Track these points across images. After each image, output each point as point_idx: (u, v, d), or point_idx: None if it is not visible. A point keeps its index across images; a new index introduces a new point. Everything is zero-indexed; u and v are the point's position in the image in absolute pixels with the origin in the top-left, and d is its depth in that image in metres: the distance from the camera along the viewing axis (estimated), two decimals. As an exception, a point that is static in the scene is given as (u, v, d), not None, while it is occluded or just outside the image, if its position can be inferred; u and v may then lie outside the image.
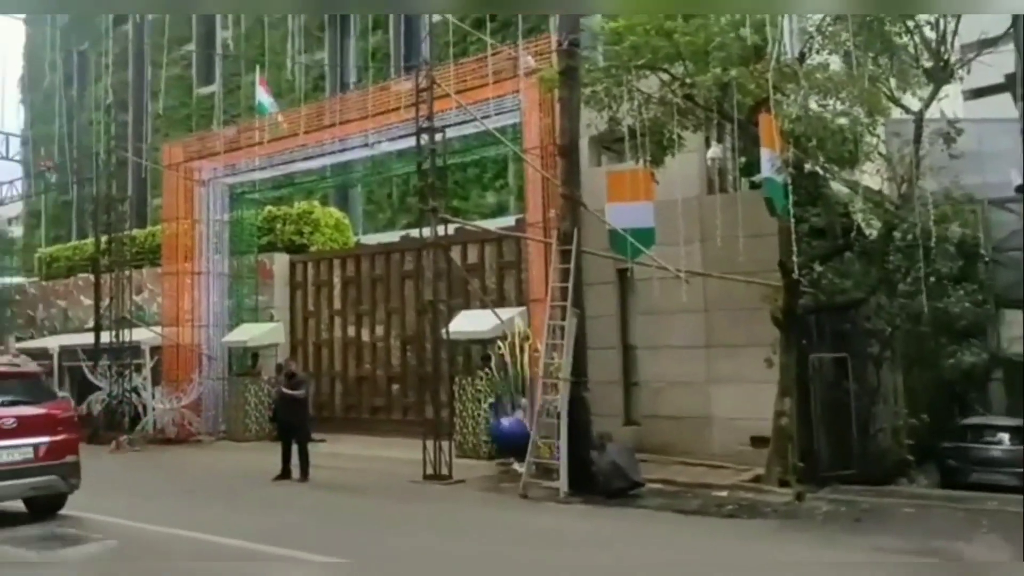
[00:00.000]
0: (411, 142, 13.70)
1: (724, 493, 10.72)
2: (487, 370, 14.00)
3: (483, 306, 15.00)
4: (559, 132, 12.31)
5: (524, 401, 13.29)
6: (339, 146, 17.27)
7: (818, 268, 11.55)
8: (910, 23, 10.49)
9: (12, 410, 9.04)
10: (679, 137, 11.55)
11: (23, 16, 34.66)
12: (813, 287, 11.69)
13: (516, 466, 12.10)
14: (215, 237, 19.27)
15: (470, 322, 14.79)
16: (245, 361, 18.81)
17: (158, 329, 18.99)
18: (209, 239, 19.17)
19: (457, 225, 14.86)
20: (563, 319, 11.34)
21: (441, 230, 12.99)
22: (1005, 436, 13.48)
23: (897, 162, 11.02)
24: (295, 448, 12.47)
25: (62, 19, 33.04)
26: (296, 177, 19.83)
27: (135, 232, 22.16)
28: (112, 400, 18.21)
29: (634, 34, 10.85)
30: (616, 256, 11.88)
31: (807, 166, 10.77)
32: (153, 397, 17.97)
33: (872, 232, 11.68)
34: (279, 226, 20.25)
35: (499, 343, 13.72)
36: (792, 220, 9.88)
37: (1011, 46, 9.47)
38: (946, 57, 10.73)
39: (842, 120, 10.37)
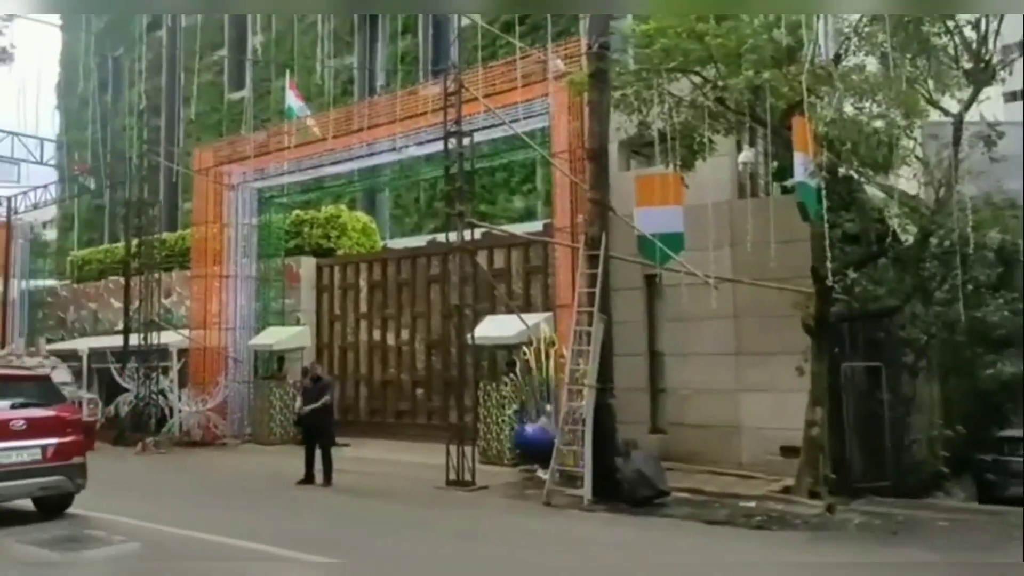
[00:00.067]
0: (439, 146, 13.64)
1: (752, 503, 10.50)
2: (512, 376, 13.88)
3: (509, 311, 14.90)
4: (588, 136, 12.18)
5: (549, 407, 13.14)
6: (367, 150, 17.28)
7: (851, 275, 11.29)
8: (950, 23, 10.24)
9: (22, 412, 9.24)
10: (710, 141, 11.40)
11: (60, 23, 35.26)
12: (846, 294, 11.44)
13: (540, 473, 11.95)
14: (243, 241, 19.37)
15: (496, 327, 14.69)
16: (271, 364, 18.85)
17: (186, 332, 19.11)
18: (237, 243, 19.27)
19: (484, 230, 14.78)
20: (590, 325, 11.21)
21: (468, 234, 12.92)
22: (1044, 449, 13.11)
23: (935, 166, 10.76)
24: (318, 452, 12.42)
25: (97, 25, 33.59)
26: (324, 181, 19.87)
27: (165, 235, 22.39)
28: (139, 402, 18.33)
29: (665, 37, 10.71)
30: (644, 261, 11.72)
31: (841, 170, 10.55)
32: (179, 399, 18.07)
33: (908, 238, 11.43)
34: (307, 230, 20.33)
35: (524, 348, 13.59)
36: (825, 225, 9.68)
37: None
38: (987, 58, 10.45)
39: (878, 123, 10.15)
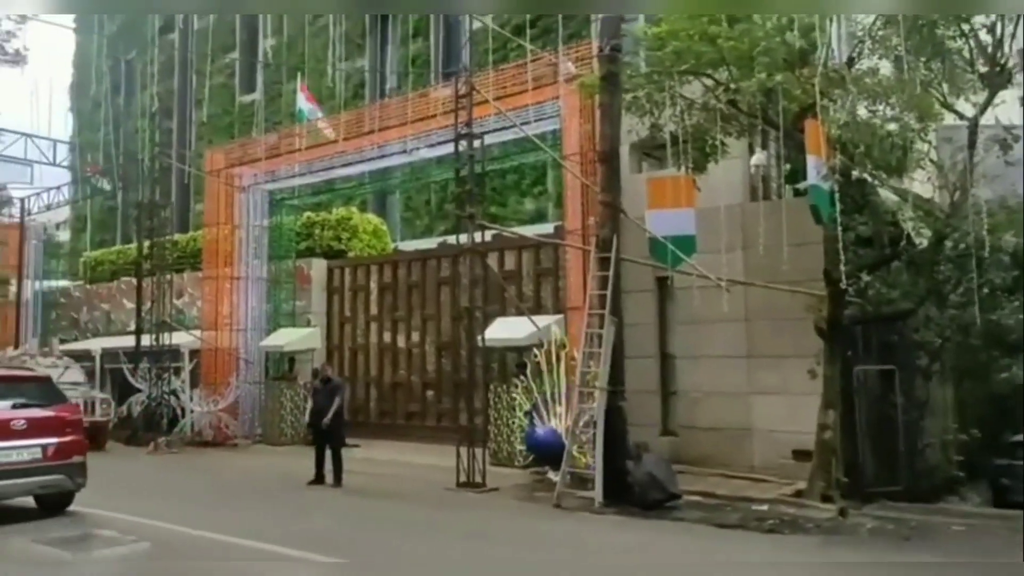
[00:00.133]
0: (450, 148, 13.66)
1: (765, 507, 10.43)
2: (522, 378, 13.86)
3: (519, 313, 14.89)
4: (599, 138, 12.16)
5: (560, 410, 13.11)
6: (378, 152, 17.31)
7: (865, 278, 11.22)
8: (964, 26, 10.18)
9: (23, 412, 9.42)
10: (722, 143, 11.36)
11: (73, 26, 35.49)
12: (859, 297, 11.37)
13: (551, 475, 11.93)
14: (254, 242, 19.45)
15: (506, 329, 14.68)
16: (282, 365, 18.91)
17: (197, 333, 19.18)
18: (249, 244, 19.35)
19: (494, 232, 14.78)
20: (601, 327, 11.18)
21: (478, 237, 12.92)
22: (1060, 455, 12.97)
23: (949, 169, 10.69)
24: (329, 453, 12.43)
25: (110, 28, 33.80)
26: (335, 183, 19.93)
27: (177, 237, 22.49)
28: (151, 402, 18.40)
29: (677, 39, 10.67)
30: (656, 264, 11.70)
31: (854, 173, 10.49)
32: (191, 400, 18.13)
33: (921, 241, 11.36)
34: (317, 232, 20.39)
35: (535, 351, 13.58)
36: (838, 228, 9.63)
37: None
38: (1003, 61, 10.37)
39: (892, 126, 10.08)
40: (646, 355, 13.50)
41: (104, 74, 33.73)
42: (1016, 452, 13.27)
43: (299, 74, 21.65)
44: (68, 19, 35.56)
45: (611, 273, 11.17)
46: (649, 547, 8.82)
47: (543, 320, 14.29)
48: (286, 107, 24.03)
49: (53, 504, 9.79)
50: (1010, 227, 11.10)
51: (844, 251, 9.68)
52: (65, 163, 30.82)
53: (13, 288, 26.12)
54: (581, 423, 11.13)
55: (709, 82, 11.10)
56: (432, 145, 16.31)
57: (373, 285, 19.12)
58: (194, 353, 19.03)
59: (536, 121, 14.53)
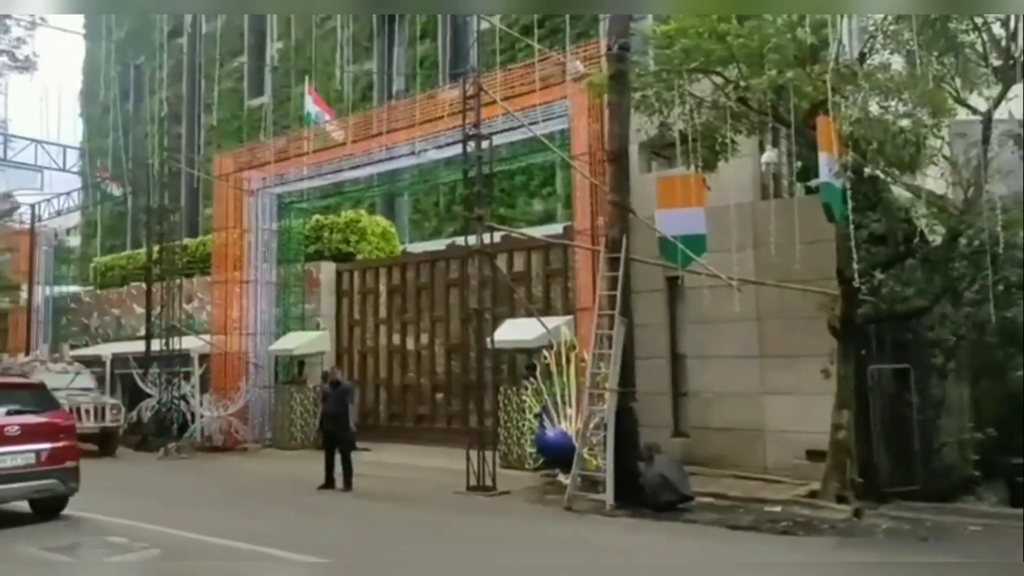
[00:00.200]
0: (458, 150, 13.61)
1: (778, 508, 10.34)
2: (532, 380, 13.79)
3: (529, 315, 14.81)
4: (608, 138, 12.08)
5: (570, 412, 13.03)
6: (386, 154, 17.27)
7: (878, 276, 11.10)
8: (977, 20, 10.06)
9: (17, 418, 9.62)
10: (732, 142, 11.27)
11: (82, 32, 35.65)
12: (873, 295, 11.24)
13: (561, 478, 11.85)
14: (263, 246, 19.44)
15: (515, 331, 14.61)
16: (291, 369, 18.89)
17: (207, 337, 19.19)
18: (258, 248, 19.34)
19: (503, 233, 14.72)
20: (611, 328, 11.10)
21: (487, 238, 12.86)
22: (1078, 453, 12.81)
23: (963, 165, 10.57)
24: (338, 457, 12.39)
25: (119, 34, 33.92)
26: (344, 186, 19.92)
27: (186, 241, 22.51)
28: (161, 407, 18.40)
29: (686, 37, 10.59)
30: (666, 264, 11.61)
31: (867, 170, 10.38)
32: (201, 405, 18.13)
33: (935, 238, 11.23)
34: (326, 235, 20.37)
35: (545, 352, 13.50)
36: (851, 226, 9.51)
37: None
38: (1016, 55, 10.25)
39: (904, 122, 9.96)
40: (657, 356, 13.41)
41: (113, 79, 33.85)
42: (1033, 451, 13.13)
43: (307, 77, 21.64)
44: (77, 25, 35.81)
45: (621, 273, 11.10)
46: (661, 550, 8.74)
47: (553, 321, 14.22)
48: (295, 110, 24.06)
49: (47, 508, 9.95)
50: (1025, 223, 10.93)
51: (857, 249, 9.59)
52: (75, 168, 30.99)
53: (24, 294, 26.20)
54: (592, 425, 11.06)
55: (719, 80, 11.01)
56: (440, 147, 16.27)
57: (382, 288, 19.09)
58: (204, 358, 19.03)
59: (544, 121, 14.46)
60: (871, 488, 10.70)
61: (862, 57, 10.59)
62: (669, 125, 11.41)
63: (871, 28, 10.69)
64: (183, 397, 18.49)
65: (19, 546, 8.43)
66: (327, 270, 19.84)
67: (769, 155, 13.19)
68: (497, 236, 14.03)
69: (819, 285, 11.08)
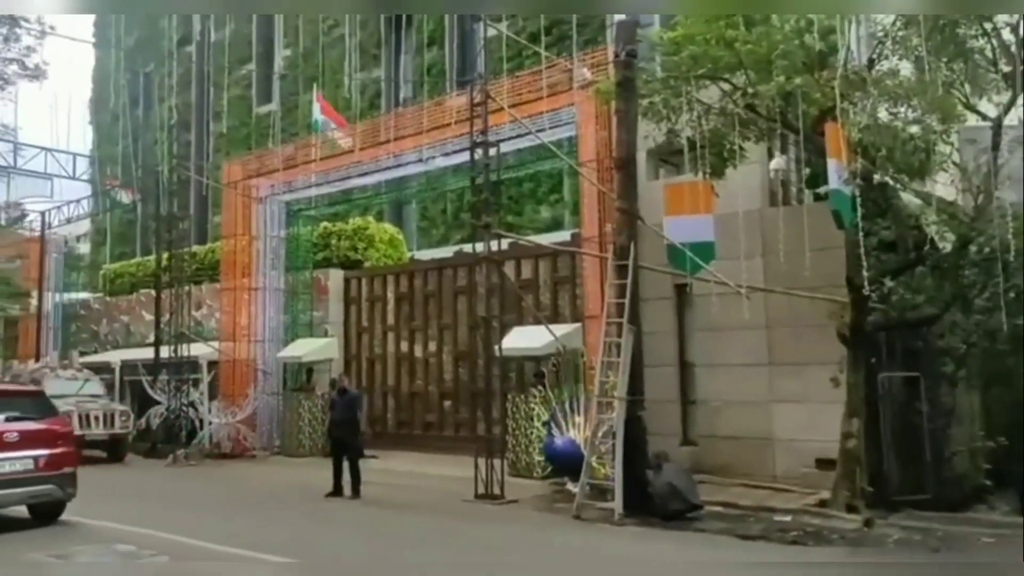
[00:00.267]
0: (465, 157, 13.61)
1: (788, 518, 10.27)
2: (540, 387, 13.76)
3: (537, 322, 14.78)
4: (615, 145, 12.07)
5: (578, 420, 12.99)
6: (394, 162, 17.30)
7: (888, 283, 11.03)
8: (987, 25, 9.99)
9: (15, 425, 9.80)
10: (740, 148, 11.22)
11: (92, 40, 35.87)
12: (883, 303, 11.17)
13: (570, 486, 11.81)
14: (272, 253, 19.48)
15: (523, 338, 14.59)
16: (300, 376, 18.91)
17: (215, 344, 19.22)
18: (266, 255, 19.38)
19: (511, 240, 14.71)
20: (619, 336, 11.07)
21: (495, 245, 12.85)
22: (1091, 462, 12.68)
23: (973, 171, 10.50)
24: (347, 464, 12.37)
25: (128, 42, 34.11)
26: (352, 193, 19.95)
27: (195, 248, 22.59)
28: (170, 414, 18.43)
29: (693, 44, 10.57)
30: (674, 271, 11.57)
31: (876, 177, 10.31)
32: (209, 411, 18.15)
33: (946, 245, 11.14)
34: (334, 242, 20.40)
35: (553, 360, 13.47)
36: (860, 233, 9.46)
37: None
38: (1025, 60, 10.18)
39: (913, 129, 9.89)
40: (665, 364, 13.36)
41: (122, 87, 34.03)
42: (1046, 460, 13.00)
43: (315, 85, 21.72)
44: (87, 33, 36.01)
45: (629, 281, 11.08)
46: (671, 559, 8.68)
47: (561, 329, 14.19)
48: (303, 118, 24.12)
49: (45, 514, 10.09)
50: (1037, 230, 10.84)
51: (866, 256, 9.52)
52: (85, 176, 31.11)
53: (34, 301, 26.32)
54: (600, 433, 11.02)
55: (726, 86, 10.97)
56: (448, 154, 16.28)
57: (390, 295, 19.10)
58: (212, 365, 19.06)
59: (552, 128, 14.47)
60: (881, 497, 10.61)
61: (871, 63, 10.54)
62: (677, 132, 11.37)
63: (880, 34, 10.64)
64: (192, 404, 18.52)
65: (26, 553, 8.43)
66: (335, 277, 19.85)
67: (777, 162, 13.14)
68: (505, 243, 14.01)
69: (828, 292, 11.01)
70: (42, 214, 27.43)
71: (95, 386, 19.03)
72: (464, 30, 23.15)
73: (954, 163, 10.62)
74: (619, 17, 13.66)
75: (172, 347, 18.65)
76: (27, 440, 9.73)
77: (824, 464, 11.27)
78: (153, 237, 22.64)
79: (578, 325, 14.24)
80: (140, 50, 33.57)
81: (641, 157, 12.72)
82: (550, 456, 12.82)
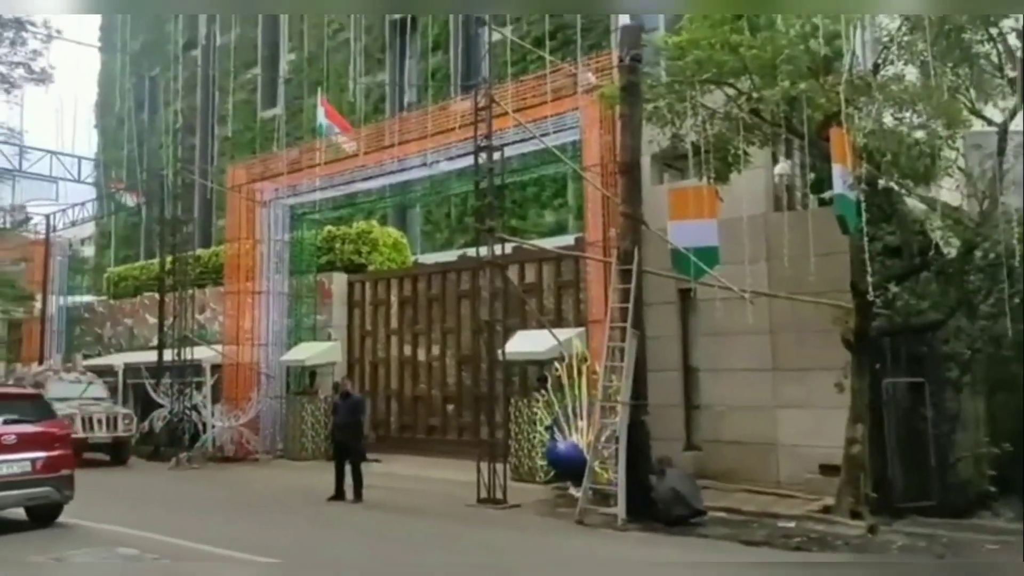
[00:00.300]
0: (470, 161, 13.62)
1: (792, 524, 10.23)
2: (543, 392, 13.73)
3: (540, 326, 14.76)
4: (620, 149, 12.06)
5: (582, 424, 12.96)
6: (398, 166, 17.31)
7: (893, 288, 11.01)
8: (992, 31, 9.98)
9: (13, 428, 9.87)
10: (745, 153, 11.22)
11: (98, 44, 35.99)
12: (887, 308, 11.14)
13: (573, 491, 11.77)
14: (276, 257, 19.50)
15: (527, 342, 14.57)
16: (303, 380, 18.90)
17: (219, 347, 19.22)
18: (270, 259, 19.40)
19: (515, 244, 14.70)
20: (623, 340, 11.04)
21: (498, 249, 12.84)
22: (1097, 469, 12.62)
23: (978, 177, 10.48)
24: (349, 468, 12.36)
25: (134, 46, 34.23)
26: (356, 197, 19.95)
27: (199, 252, 22.61)
28: (173, 417, 18.43)
29: (698, 49, 10.57)
30: (678, 276, 11.55)
31: (881, 182, 10.30)
32: (212, 415, 18.13)
33: (951, 251, 11.13)
34: (338, 246, 20.41)
35: (556, 364, 13.45)
36: (865, 238, 9.44)
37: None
38: (1031, 65, 10.17)
39: (919, 134, 9.89)
40: (669, 368, 13.33)
41: (128, 91, 34.15)
42: (1051, 466, 12.94)
43: (319, 89, 21.75)
44: (93, 38, 36.10)
45: (633, 285, 11.05)
46: (673, 565, 8.64)
47: (564, 333, 14.16)
48: (307, 122, 24.18)
49: (42, 516, 10.15)
50: (1043, 235, 10.80)
51: (871, 261, 9.50)
52: (90, 179, 31.23)
53: (38, 304, 26.36)
54: (603, 438, 10.99)
55: (731, 91, 10.97)
56: (452, 158, 16.29)
57: (393, 299, 19.09)
58: (215, 368, 19.06)
59: (556, 132, 14.47)
60: (886, 503, 10.59)
61: (876, 68, 10.54)
62: (681, 136, 11.38)
63: (885, 39, 10.63)
64: (195, 407, 18.51)
65: (27, 556, 8.42)
66: (339, 281, 19.86)
67: (782, 167, 13.12)
68: (508, 247, 14.01)
69: (833, 298, 10.99)
70: (47, 217, 27.50)
71: (98, 389, 19.04)
72: (469, 35, 23.20)
73: (959, 168, 10.61)
74: (624, 22, 13.64)
75: (175, 350, 18.66)
76: (25, 443, 9.81)
77: (828, 470, 11.24)
78: (157, 240, 22.71)
79: (582, 329, 14.21)
80: (146, 54, 33.68)
81: (645, 161, 12.70)
82: (553, 460, 12.78)
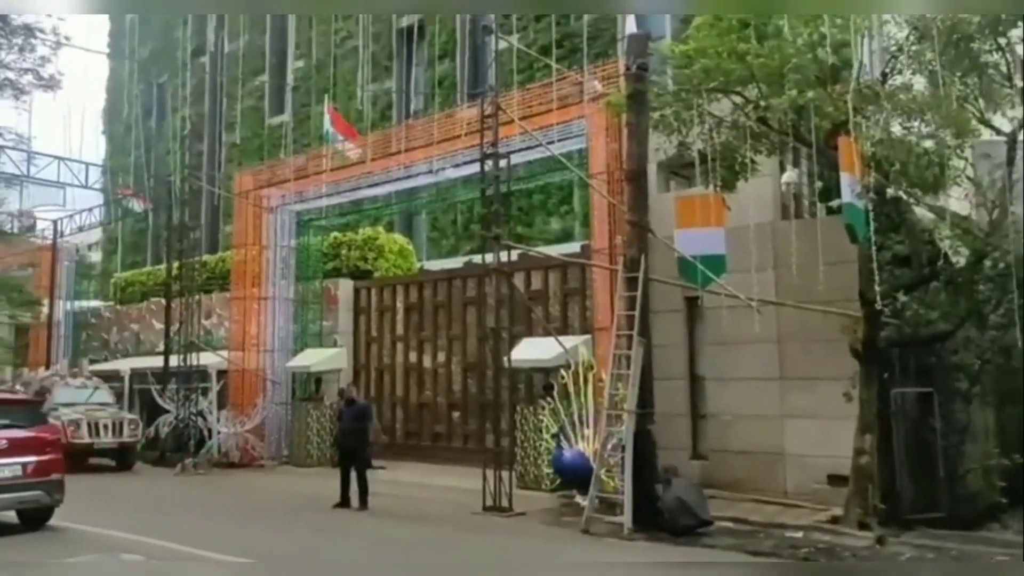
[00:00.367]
0: (476, 168, 13.62)
1: (799, 534, 10.16)
2: (549, 399, 13.69)
3: (546, 334, 14.74)
4: (626, 157, 12.05)
5: (588, 432, 12.92)
6: (404, 173, 17.34)
7: (901, 298, 10.95)
8: (1001, 40, 9.93)
9: (4, 432, 10.02)
10: (752, 161, 11.19)
11: (106, 51, 36.20)
12: (896, 318, 11.08)
13: (579, 499, 11.73)
14: (282, 263, 19.51)
15: (533, 350, 14.54)
16: (308, 386, 18.90)
17: (225, 353, 19.24)
18: (276, 265, 19.41)
19: (520, 251, 14.69)
20: (629, 348, 11.01)
21: (504, 256, 12.83)
22: (1107, 481, 12.51)
23: (987, 186, 10.42)
24: (354, 475, 12.33)
25: (142, 53, 34.40)
26: (362, 204, 20.01)
27: (206, 258, 22.65)
28: (179, 423, 18.43)
29: (705, 57, 10.56)
30: (685, 284, 11.52)
31: (889, 191, 10.25)
32: (218, 421, 18.14)
33: (960, 260, 11.05)
34: (344, 252, 20.43)
35: (562, 372, 13.42)
36: (874, 248, 9.40)
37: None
38: (1041, 75, 10.13)
39: (927, 143, 9.84)
40: (675, 377, 13.28)
41: (136, 98, 34.29)
42: (1061, 478, 12.83)
43: (327, 96, 21.81)
44: (102, 44, 36.31)
45: (639, 293, 11.02)
46: (680, 575, 8.58)
47: (570, 341, 14.14)
48: (315, 129, 24.21)
49: (33, 519, 10.33)
50: (1052, 245, 10.74)
51: (880, 271, 9.46)
52: (97, 185, 31.35)
53: (45, 309, 26.43)
54: (609, 446, 10.95)
55: (738, 99, 10.95)
56: (458, 165, 16.31)
57: (399, 305, 19.09)
58: (221, 374, 19.05)
59: (562, 140, 14.47)
60: (894, 515, 10.51)
61: (884, 77, 10.51)
62: (688, 144, 11.36)
63: (893, 48, 10.61)
64: (200, 413, 18.48)
65: (26, 561, 8.41)
66: (345, 287, 19.87)
67: (789, 175, 13.09)
68: (514, 254, 13.99)
69: (841, 307, 10.93)
70: (54, 222, 27.60)
71: (104, 394, 19.08)
72: (475, 43, 23.24)
73: (968, 177, 10.54)
74: (631, 30, 13.66)
75: (182, 356, 18.67)
76: (16, 447, 9.96)
77: (836, 480, 11.17)
78: (164, 246, 22.76)
79: (588, 337, 14.18)
80: (154, 61, 33.84)
81: (652, 169, 12.71)
82: (559, 469, 12.73)
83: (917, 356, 11.97)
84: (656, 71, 12.18)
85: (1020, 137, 10.22)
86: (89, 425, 17.01)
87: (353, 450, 12.52)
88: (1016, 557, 7.95)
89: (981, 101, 10.48)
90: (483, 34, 22.44)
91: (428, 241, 23.37)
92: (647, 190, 11.84)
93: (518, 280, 15.53)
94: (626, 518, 10.25)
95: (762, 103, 10.50)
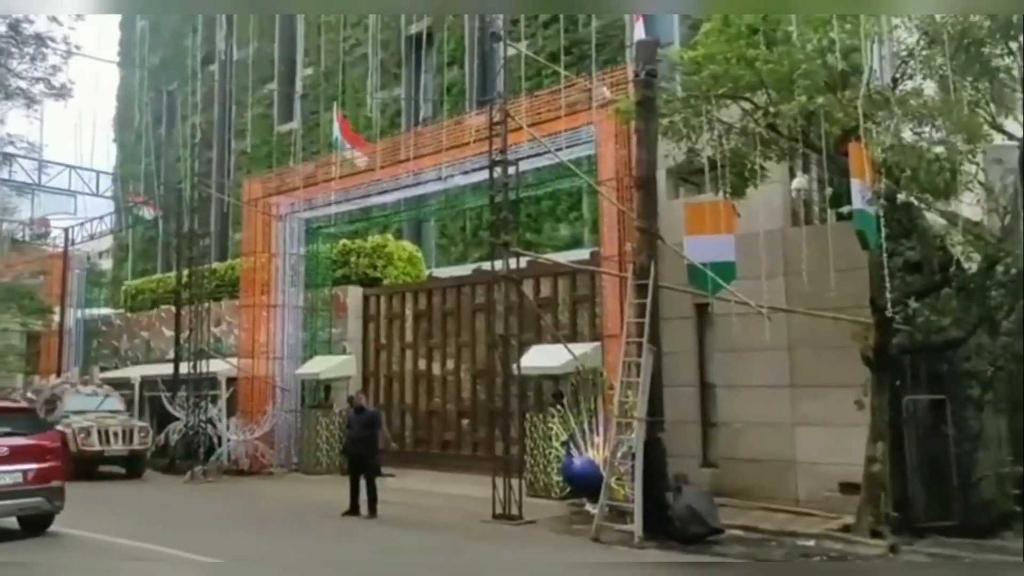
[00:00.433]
0: (484, 175, 13.63)
1: (811, 542, 10.11)
2: (559, 407, 13.66)
3: (555, 341, 14.71)
4: (635, 164, 12.04)
5: (598, 440, 12.88)
6: (413, 180, 17.35)
7: (913, 304, 10.87)
8: (1012, 44, 9.88)
9: (5, 440, 10.15)
10: (761, 168, 11.14)
11: (117, 60, 36.45)
12: (907, 325, 11.00)
13: (589, 507, 11.68)
14: (291, 270, 19.56)
15: (542, 357, 14.51)
16: (318, 393, 18.91)
17: (234, 361, 19.27)
18: (285, 272, 19.46)
19: (530, 258, 14.67)
20: (639, 356, 10.97)
21: (513, 263, 12.82)
22: (1122, 488, 12.38)
23: (999, 191, 10.35)
24: (363, 483, 12.32)
25: (152, 61, 34.63)
26: (371, 211, 20.03)
27: (216, 265, 22.72)
28: (189, 431, 18.45)
29: (714, 63, 10.54)
30: (695, 291, 11.48)
31: (900, 197, 10.19)
32: (228, 428, 18.15)
33: (971, 266, 10.98)
34: (353, 259, 20.45)
35: (572, 379, 13.38)
36: (885, 254, 9.35)
37: None
38: (1053, 80, 10.05)
39: (938, 148, 9.77)
40: (685, 384, 13.22)
41: (146, 106, 34.53)
42: (1075, 485, 12.70)
43: (335, 104, 21.88)
44: (112, 53, 36.57)
45: (649, 300, 10.99)
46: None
47: (580, 348, 14.11)
48: (324, 136, 24.32)
49: (34, 525, 10.44)
50: (1065, 251, 10.65)
51: (891, 277, 9.39)
52: (108, 193, 31.46)
53: (56, 317, 26.54)
54: (619, 454, 10.92)
55: (747, 106, 10.91)
56: (467, 172, 16.30)
57: (408, 312, 19.09)
58: (231, 381, 19.09)
59: (570, 147, 14.46)
60: (906, 523, 10.42)
61: (894, 82, 10.44)
62: (697, 151, 11.33)
63: (903, 53, 10.56)
64: (210, 420, 18.52)
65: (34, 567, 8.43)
66: (354, 294, 19.89)
67: (799, 181, 13.05)
68: (523, 262, 13.98)
69: (852, 313, 10.87)
70: (65, 230, 27.71)
71: (115, 402, 19.12)
72: (484, 50, 23.31)
73: (980, 183, 10.48)
74: (639, 36, 13.65)
75: (191, 363, 18.71)
76: (17, 454, 10.08)
77: (848, 488, 11.08)
78: (174, 254, 22.86)
79: (597, 344, 14.14)
80: (164, 69, 34.06)
81: (661, 176, 12.69)
82: (568, 476, 12.70)
83: (929, 363, 11.88)
84: (665, 77, 12.17)
85: (1032, 142, 10.14)
86: (99, 433, 17.05)
87: (363, 458, 12.52)
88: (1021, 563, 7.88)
89: (992, 106, 10.41)
90: (491, 41, 22.51)
91: (437, 248, 23.40)
92: (656, 197, 11.81)
93: (527, 287, 15.52)
94: (636, 526, 10.21)
95: (771, 109, 10.46)
